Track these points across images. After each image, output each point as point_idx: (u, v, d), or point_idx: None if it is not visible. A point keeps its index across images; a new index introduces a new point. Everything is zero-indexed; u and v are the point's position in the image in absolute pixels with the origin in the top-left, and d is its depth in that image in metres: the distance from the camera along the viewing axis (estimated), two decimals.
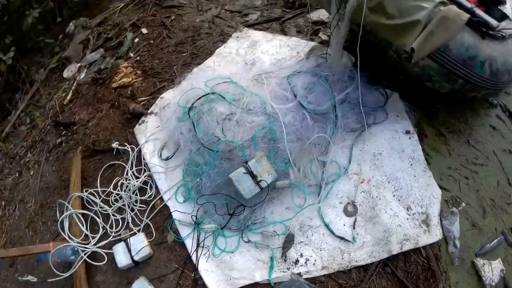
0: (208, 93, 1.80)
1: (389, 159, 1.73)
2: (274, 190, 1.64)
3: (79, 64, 2.68)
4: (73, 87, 2.51)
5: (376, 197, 1.64)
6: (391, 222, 1.56)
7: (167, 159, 1.88)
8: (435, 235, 1.54)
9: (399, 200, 1.63)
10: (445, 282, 1.49)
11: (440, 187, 1.66)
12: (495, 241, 1.62)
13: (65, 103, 2.47)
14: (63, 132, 2.36)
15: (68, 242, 1.84)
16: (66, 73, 2.71)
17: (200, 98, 1.80)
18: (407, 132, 1.82)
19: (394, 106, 1.90)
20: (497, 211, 1.72)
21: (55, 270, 1.69)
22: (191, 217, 1.68)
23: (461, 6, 1.50)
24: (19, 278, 1.78)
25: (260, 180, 1.55)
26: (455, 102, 1.95)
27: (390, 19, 1.51)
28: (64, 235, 1.85)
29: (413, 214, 1.59)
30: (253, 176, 1.55)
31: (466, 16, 1.37)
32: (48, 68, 2.87)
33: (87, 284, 1.77)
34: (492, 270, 1.56)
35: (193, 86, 1.92)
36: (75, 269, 1.75)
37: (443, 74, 1.57)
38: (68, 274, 1.73)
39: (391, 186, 1.66)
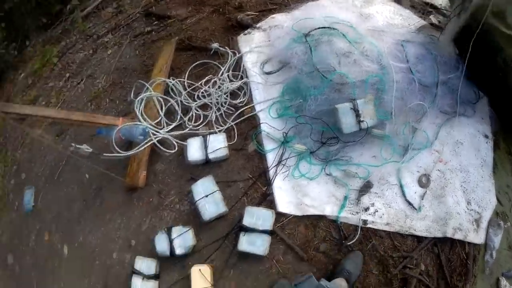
0: (329, 27, 1.94)
1: (467, 151, 1.91)
2: (368, 135, 1.80)
3: None
4: None
5: (448, 180, 1.83)
6: (453, 207, 1.76)
7: (269, 73, 2.01)
8: (480, 238, 1.74)
9: (464, 191, 1.82)
10: (472, 285, 1.69)
11: (497, 199, 1.84)
12: None
13: None
14: (155, 23, 2.46)
15: (140, 123, 1.92)
16: None
17: (318, 28, 1.95)
18: (486, 136, 1.99)
19: (482, 108, 2.06)
20: None
21: (115, 147, 1.77)
22: (282, 133, 1.85)
23: None
24: (72, 144, 1.73)
25: (362, 121, 1.73)
26: None
27: (509, 29, 1.65)
28: (137, 114, 1.96)
29: (470, 210, 1.78)
30: (357, 114, 1.72)
31: None
32: None
33: (147, 168, 1.93)
34: None
35: (310, 15, 2.07)
36: (140, 149, 1.87)
37: None
38: (131, 153, 1.84)
39: (461, 176, 1.85)
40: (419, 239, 1.73)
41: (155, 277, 1.73)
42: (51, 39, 2.82)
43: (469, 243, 1.73)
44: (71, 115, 1.73)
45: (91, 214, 2.01)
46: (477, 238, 1.73)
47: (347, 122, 1.71)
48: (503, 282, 1.75)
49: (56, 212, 2.10)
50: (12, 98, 2.64)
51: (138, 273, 1.73)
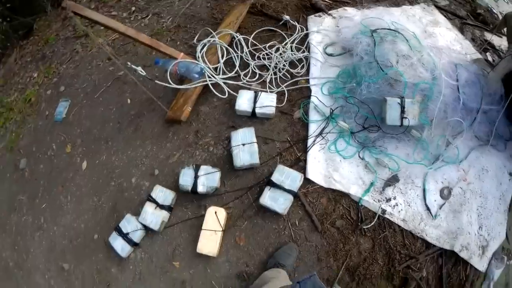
0: (395, 30, 2.13)
1: (490, 180, 2.04)
2: (406, 134, 1.94)
3: None
4: None
5: (467, 199, 1.95)
6: (466, 225, 1.88)
7: (330, 55, 2.18)
8: (483, 265, 1.84)
9: (478, 215, 1.94)
10: None
11: (506, 235, 1.93)
12: None
13: None
14: None
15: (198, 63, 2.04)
16: None
17: (385, 29, 2.13)
18: (510, 174, 2.12)
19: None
20: None
21: (168, 77, 1.91)
22: (329, 109, 2.00)
23: None
24: (128, 63, 1.83)
25: (405, 117, 1.87)
26: None
27: None
28: (198, 55, 2.07)
29: (480, 234, 1.90)
30: (402, 110, 1.87)
31: None
32: None
33: (193, 106, 2.05)
34: None
35: (379, 17, 2.27)
36: (193, 86, 2.00)
37: None
38: (183, 87, 1.97)
39: (479, 200, 1.97)
40: (427, 245, 1.84)
41: (169, 208, 1.84)
42: None
43: (471, 266, 1.84)
44: (139, 35, 1.86)
45: (121, 137, 2.12)
46: (480, 264, 1.84)
47: (392, 115, 1.85)
48: None
49: (86, 128, 2.21)
50: (69, 17, 2.78)
51: (153, 200, 1.83)
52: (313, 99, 2.02)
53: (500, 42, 2.65)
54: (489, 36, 2.65)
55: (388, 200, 1.86)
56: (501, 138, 2.18)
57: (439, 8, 2.69)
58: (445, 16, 2.64)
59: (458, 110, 2.04)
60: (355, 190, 1.85)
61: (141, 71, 1.82)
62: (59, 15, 3.06)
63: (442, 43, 2.40)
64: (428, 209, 1.88)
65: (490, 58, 2.55)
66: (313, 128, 1.97)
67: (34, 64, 2.79)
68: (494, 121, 2.14)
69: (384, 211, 1.83)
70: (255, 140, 1.89)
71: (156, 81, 1.91)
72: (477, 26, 2.69)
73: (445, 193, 1.96)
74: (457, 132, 2.05)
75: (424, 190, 1.91)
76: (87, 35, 2.55)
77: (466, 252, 1.83)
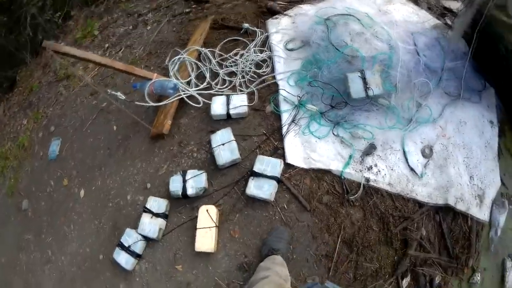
0: (347, 14, 2.31)
1: (470, 130, 2.12)
2: (374, 105, 2.06)
3: None
4: None
5: (451, 152, 2.03)
6: (455, 177, 1.94)
7: (291, 50, 2.36)
8: (483, 214, 1.89)
9: (466, 166, 2.01)
10: (475, 262, 1.84)
11: (501, 180, 2.00)
12: None
13: None
14: (193, 6, 2.89)
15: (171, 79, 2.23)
16: None
17: (338, 14, 2.31)
18: (491, 122, 2.19)
19: (488, 97, 2.27)
20: None
21: (146, 97, 2.11)
22: (297, 97, 2.14)
23: None
24: (108, 90, 2.06)
25: (369, 88, 2.00)
26: None
27: (509, 18, 1.92)
28: (170, 73, 2.27)
29: (473, 184, 1.96)
30: (364, 82, 1.99)
31: None
32: None
33: (172, 120, 2.22)
34: None
35: (333, 6, 2.45)
36: (170, 101, 2.18)
37: None
38: (161, 103, 2.16)
39: (464, 152, 2.05)
40: (420, 204, 1.90)
41: (164, 216, 1.97)
42: (94, 15, 3.34)
43: (471, 218, 1.89)
44: (114, 63, 2.06)
45: (112, 161, 2.30)
46: (480, 214, 1.89)
47: (355, 88, 1.98)
48: (509, 263, 1.87)
49: (80, 160, 2.42)
50: (49, 63, 3.12)
51: (148, 211, 1.97)
52: (281, 92, 2.18)
53: (457, 5, 2.79)
54: (444, 2, 2.81)
55: (370, 168, 1.95)
56: (474, 91, 2.27)
57: None
58: None
59: (421, 71, 2.17)
60: (335, 165, 1.95)
61: (120, 96, 2.02)
62: (39, 63, 3.38)
63: (398, 17, 2.54)
64: (412, 170, 1.96)
65: (449, 22, 2.69)
66: (285, 117, 2.11)
67: (22, 113, 3.06)
68: (462, 75, 2.25)
69: (368, 179, 1.92)
70: (233, 138, 2.04)
71: (136, 102, 2.12)
72: None
73: (427, 152, 2.04)
74: (425, 93, 2.16)
75: (404, 153, 2.00)
76: (68, 77, 2.83)
77: (462, 203, 1.88)
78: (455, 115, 2.16)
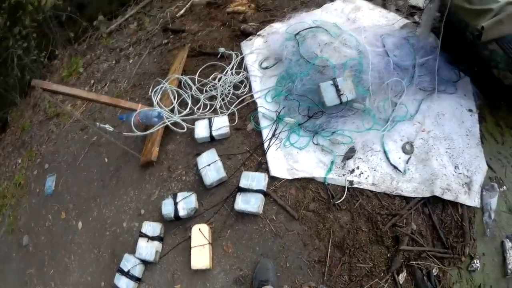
0: (315, 26, 2.44)
1: (449, 121, 2.18)
2: (349, 110, 2.17)
3: None
4: (187, 5, 3.29)
5: (432, 145, 2.09)
6: (439, 169, 1.99)
7: (266, 68, 2.52)
8: (474, 200, 1.91)
9: (450, 156, 2.06)
10: (472, 249, 1.86)
11: (488, 165, 2.03)
12: None
13: (177, 16, 3.24)
14: (171, 36, 3.10)
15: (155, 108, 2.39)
16: None
17: (307, 28, 2.45)
18: (470, 110, 2.25)
19: (464, 86, 2.35)
20: None
21: (133, 127, 2.23)
22: (275, 112, 2.27)
23: None
24: (97, 123, 2.24)
25: (342, 94, 2.12)
26: None
27: (471, 4, 2.02)
28: (154, 102, 2.44)
29: (458, 173, 2.00)
30: (337, 89, 2.11)
31: None
32: None
33: (159, 146, 2.36)
34: None
35: (302, 21, 2.60)
36: (156, 129, 2.32)
37: (508, 63, 1.99)
38: (147, 132, 2.30)
39: (445, 143, 2.10)
40: (407, 199, 1.96)
41: (159, 239, 2.07)
42: (77, 53, 3.56)
43: (462, 205, 1.92)
44: (99, 97, 2.23)
45: (106, 192, 2.43)
46: (470, 200, 1.92)
47: (329, 97, 2.10)
48: (508, 244, 1.88)
49: (75, 193, 2.55)
50: (39, 103, 3.32)
51: (144, 235, 2.08)
52: (259, 109, 2.33)
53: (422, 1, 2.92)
54: (411, 1, 2.95)
55: (352, 171, 2.04)
56: (448, 82, 2.35)
57: None
58: (365, 0, 2.97)
59: (392, 72, 2.28)
60: (318, 173, 2.05)
61: (109, 128, 2.17)
62: (29, 103, 3.58)
63: (366, 23, 2.69)
64: (395, 167, 2.03)
65: (418, 19, 2.82)
66: (266, 133, 2.24)
67: (16, 152, 3.23)
68: (434, 69, 2.33)
69: (351, 182, 2.00)
70: (218, 158, 2.16)
71: (124, 133, 2.26)
72: None
73: (408, 148, 2.11)
74: (400, 91, 2.26)
75: (385, 152, 2.09)
76: (58, 114, 3.01)
77: (450, 193, 1.92)
78: (432, 109, 2.25)
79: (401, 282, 1.82)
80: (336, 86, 2.11)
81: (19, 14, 3.56)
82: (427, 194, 1.94)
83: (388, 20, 2.79)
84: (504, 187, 2.02)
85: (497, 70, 2.13)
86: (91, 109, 2.89)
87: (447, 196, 1.92)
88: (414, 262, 1.86)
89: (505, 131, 2.23)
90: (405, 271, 1.86)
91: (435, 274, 1.85)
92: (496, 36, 1.92)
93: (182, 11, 3.28)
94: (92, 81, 3.17)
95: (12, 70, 3.68)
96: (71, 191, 2.59)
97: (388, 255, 1.88)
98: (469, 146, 2.11)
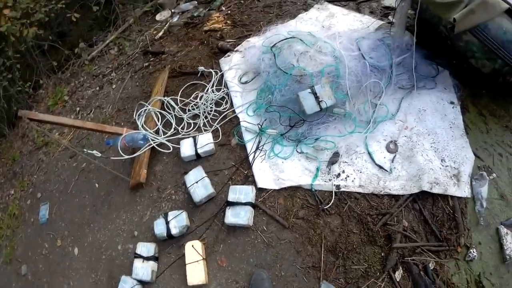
0: (290, 37, 2.56)
1: (432, 116, 2.26)
2: (330, 116, 2.27)
3: (172, 10, 3.64)
4: (165, 27, 3.43)
5: (416, 142, 2.16)
6: (425, 164, 2.05)
7: (245, 83, 2.63)
8: (464, 191, 1.97)
9: (435, 151, 2.12)
10: (467, 239, 1.91)
11: (474, 155, 2.10)
12: None
13: (155, 38, 3.39)
14: (151, 59, 3.23)
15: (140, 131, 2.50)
16: (158, 17, 3.66)
17: (282, 40, 2.56)
18: (452, 103, 2.33)
19: (443, 80, 2.44)
20: None
21: (120, 151, 2.34)
22: (257, 125, 2.36)
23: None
24: (85, 150, 2.36)
25: (321, 101, 2.21)
26: (498, 92, 2.39)
27: None
28: (139, 125, 2.56)
29: (445, 166, 2.06)
30: (316, 97, 2.21)
31: (505, 5, 1.91)
32: (142, 10, 3.87)
33: (147, 168, 2.46)
34: None
35: (277, 33, 2.72)
36: (142, 152, 2.42)
37: (484, 52, 2.07)
38: (134, 155, 2.41)
39: (430, 138, 2.17)
40: (396, 198, 2.03)
41: (154, 258, 2.14)
42: (61, 81, 3.69)
43: (452, 197, 1.98)
44: (85, 124, 2.33)
45: (99, 217, 2.51)
46: (460, 191, 1.97)
47: (308, 104, 2.20)
48: (503, 230, 1.93)
49: (69, 220, 2.64)
50: (27, 133, 3.43)
51: (139, 256, 2.15)
52: (242, 123, 2.43)
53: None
54: (384, 2, 3.08)
55: (338, 175, 2.12)
56: (427, 78, 2.44)
57: (332, 1, 3.18)
58: (339, 6, 3.11)
59: (369, 74, 2.38)
60: (305, 180, 2.13)
61: (97, 154, 2.27)
62: (17, 134, 3.68)
63: (341, 29, 2.81)
64: (381, 167, 2.11)
65: (392, 19, 2.93)
66: (250, 146, 2.34)
67: (8, 183, 3.32)
68: (411, 67, 2.40)
69: (338, 186, 2.08)
70: (205, 175, 2.25)
71: (112, 158, 2.37)
72: None
73: (392, 147, 2.19)
74: (379, 92, 2.36)
75: (369, 153, 2.17)
76: (47, 144, 3.11)
77: (438, 187, 1.97)
78: (413, 106, 2.33)
79: (398, 280, 1.87)
80: (314, 94, 2.21)
81: (2, 45, 3.69)
82: (416, 190, 2.00)
83: (362, 23, 2.92)
84: (494, 174, 2.08)
85: (474, 60, 2.21)
86: (78, 136, 3.00)
87: (436, 190, 1.98)
88: (409, 258, 1.91)
89: (488, 119, 2.30)
90: (400, 268, 1.91)
91: (432, 268, 1.89)
92: (469, 26, 1.99)
93: (160, 33, 3.42)
94: (78, 109, 3.29)
95: None
96: (65, 218, 2.67)
97: (382, 254, 1.94)
98: (454, 138, 2.17)
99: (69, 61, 3.89)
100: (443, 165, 2.08)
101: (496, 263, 1.85)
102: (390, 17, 2.97)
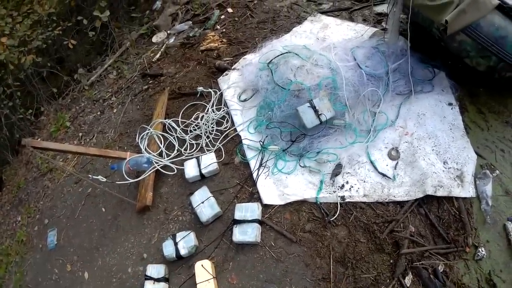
0: (286, 52, 2.68)
1: (431, 120, 2.34)
2: (331, 128, 2.37)
3: (168, 32, 3.78)
4: (162, 49, 3.57)
5: (417, 147, 2.24)
6: (428, 168, 2.12)
7: (244, 100, 2.74)
8: (468, 191, 2.03)
9: (437, 154, 2.19)
10: (474, 238, 1.96)
11: (476, 154, 2.16)
12: None
13: (153, 60, 3.52)
14: (150, 81, 3.36)
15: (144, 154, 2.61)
16: (155, 39, 3.80)
17: (278, 55, 2.68)
18: (450, 104, 2.41)
19: (440, 82, 2.52)
20: None
21: (125, 175, 2.45)
22: (259, 142, 2.46)
23: None
24: (90, 175, 2.45)
25: (321, 114, 2.30)
26: (496, 88, 2.46)
27: (432, 1, 2.17)
28: (142, 149, 2.67)
29: (448, 168, 2.13)
30: (315, 110, 2.30)
31: (496, 1, 2.01)
32: (138, 33, 4.03)
33: (153, 190, 2.56)
34: None
35: (273, 48, 2.84)
36: (147, 175, 2.52)
37: (478, 50, 2.15)
38: (139, 179, 2.51)
39: (431, 142, 2.25)
40: (401, 204, 2.09)
41: (165, 280, 2.22)
42: (62, 107, 3.82)
43: (457, 198, 2.02)
44: (88, 150, 2.43)
45: (108, 241, 2.60)
46: (464, 192, 2.02)
47: (308, 118, 2.29)
48: (510, 226, 1.97)
49: (77, 245, 2.73)
50: (31, 160, 3.54)
51: (149, 278, 2.23)
52: (244, 141, 2.54)
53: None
54: (376, 9, 3.20)
55: (342, 186, 2.20)
56: (424, 81, 2.53)
57: (325, 12, 3.31)
58: (332, 16, 3.23)
59: (366, 83, 2.47)
60: (309, 194, 2.21)
61: (101, 178, 2.37)
62: (21, 161, 3.80)
63: (336, 39, 2.94)
64: (384, 175, 2.18)
65: (385, 25, 3.03)
66: (253, 164, 2.43)
67: (15, 210, 3.42)
68: (408, 72, 2.48)
69: (343, 198, 2.16)
70: (210, 194, 2.34)
71: (117, 182, 2.47)
72: (365, 7, 3.26)
73: (393, 154, 2.26)
74: (377, 101, 2.45)
75: (372, 162, 2.25)
76: (51, 170, 3.22)
77: (443, 189, 2.03)
78: (412, 111, 2.41)
79: (408, 285, 1.92)
80: (313, 107, 2.30)
81: (2, 73, 3.84)
82: (420, 195, 2.07)
83: (356, 32, 3.03)
84: (497, 171, 2.14)
85: (469, 59, 2.29)
86: (82, 161, 3.11)
87: (441, 193, 2.04)
88: (418, 263, 1.96)
89: (488, 116, 2.38)
90: (410, 273, 1.96)
91: (441, 270, 1.94)
92: (462, 26, 2.07)
93: (158, 55, 3.56)
94: (80, 134, 3.41)
95: (0, 130, 3.94)
96: (74, 243, 2.76)
97: (391, 261, 1.99)
98: (455, 139, 2.24)
99: (69, 86, 4.03)
100: (445, 168, 2.14)
101: (505, 260, 1.90)
102: (383, 24, 3.08)
